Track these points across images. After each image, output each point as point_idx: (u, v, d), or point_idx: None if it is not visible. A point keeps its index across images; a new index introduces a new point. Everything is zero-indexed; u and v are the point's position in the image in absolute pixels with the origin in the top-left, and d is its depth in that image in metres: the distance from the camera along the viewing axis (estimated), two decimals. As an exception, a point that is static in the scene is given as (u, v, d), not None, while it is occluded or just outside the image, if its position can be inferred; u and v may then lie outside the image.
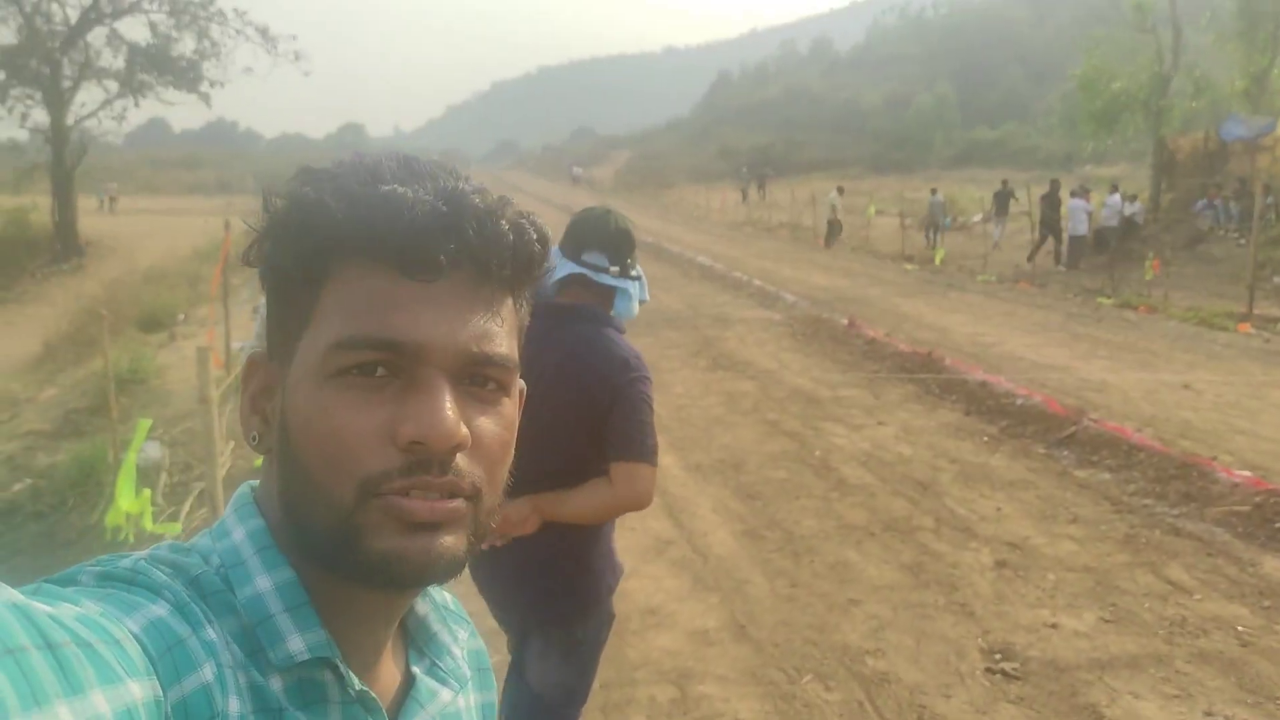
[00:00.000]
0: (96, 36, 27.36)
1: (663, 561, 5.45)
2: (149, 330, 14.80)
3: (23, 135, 27.84)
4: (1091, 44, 24.26)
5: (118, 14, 27.17)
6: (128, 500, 5.44)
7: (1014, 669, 4.28)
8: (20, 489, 7.56)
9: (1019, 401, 8.65)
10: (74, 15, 26.48)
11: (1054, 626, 4.68)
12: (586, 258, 2.62)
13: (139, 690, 0.55)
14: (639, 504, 2.46)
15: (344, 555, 0.70)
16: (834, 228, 26.09)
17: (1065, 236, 20.85)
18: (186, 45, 28.20)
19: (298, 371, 0.72)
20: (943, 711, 3.96)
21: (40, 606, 0.53)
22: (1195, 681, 4.19)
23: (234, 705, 0.65)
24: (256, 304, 11.38)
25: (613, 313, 2.68)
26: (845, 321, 13.05)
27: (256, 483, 0.80)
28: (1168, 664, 4.34)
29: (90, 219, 28.02)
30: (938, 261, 21.15)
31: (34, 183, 27.79)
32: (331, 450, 0.69)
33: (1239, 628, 4.66)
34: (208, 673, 0.63)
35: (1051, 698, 4.07)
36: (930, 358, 10.52)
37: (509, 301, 0.76)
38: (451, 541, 0.71)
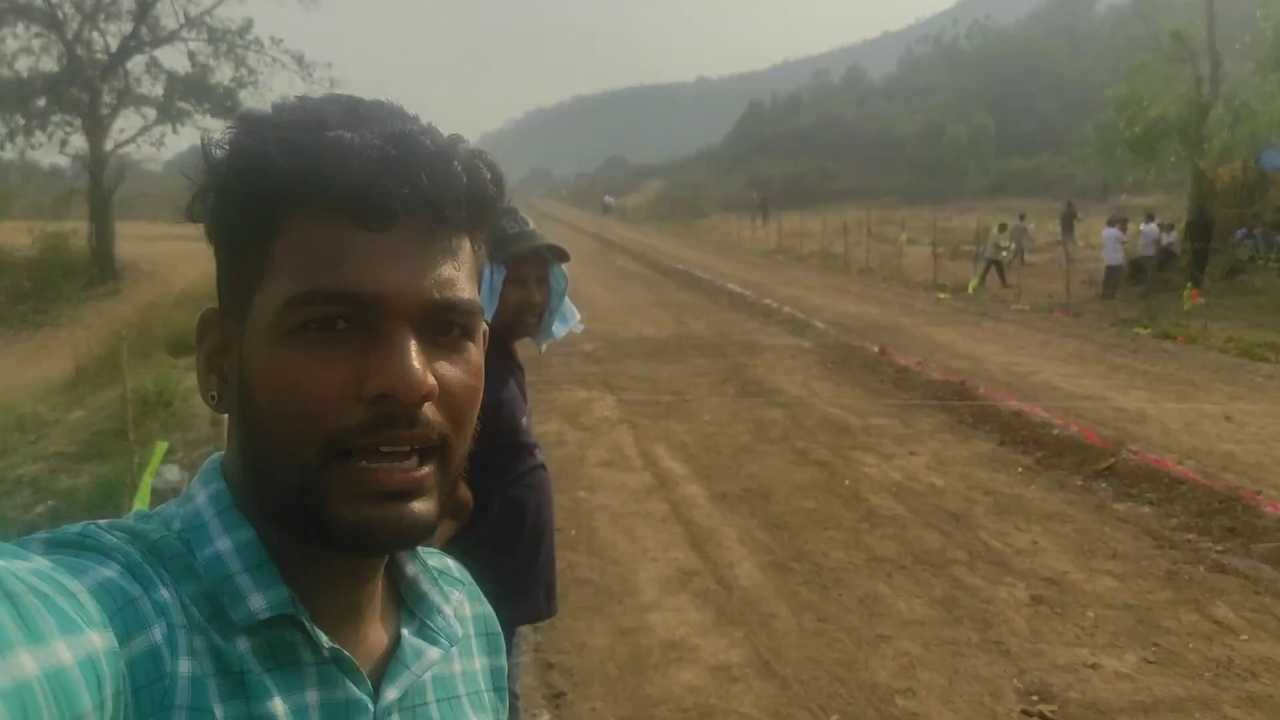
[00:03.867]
0: (136, 65, 27.73)
1: (686, 593, 5.30)
2: (178, 353, 14.83)
3: (63, 161, 28.25)
4: (1131, 70, 23.99)
5: (157, 43, 27.52)
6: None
7: (1052, 712, 4.09)
8: (41, 511, 7.52)
9: (1055, 432, 8.43)
10: (114, 44, 26.84)
11: (1094, 667, 4.48)
12: None
13: (99, 640, 0.55)
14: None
15: (309, 519, 0.68)
16: (998, 266, 22.64)
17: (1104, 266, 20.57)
18: (224, 73, 28.53)
19: (254, 328, 0.69)
20: (977, 756, 3.77)
21: None
22: (1245, 728, 3.98)
23: (184, 666, 0.63)
24: None
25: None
26: (876, 349, 12.86)
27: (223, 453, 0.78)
28: (1215, 708, 4.13)
29: (127, 244, 28.30)
30: (970, 290, 20.89)
31: (72, 208, 28.13)
32: (294, 408, 0.67)
33: (1290, 671, 4.44)
34: (157, 633, 0.61)
35: (1092, 743, 3.87)
36: (963, 386, 10.31)
37: (467, 244, 0.73)
38: (422, 507, 0.69)
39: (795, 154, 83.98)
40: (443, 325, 0.70)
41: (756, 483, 7.25)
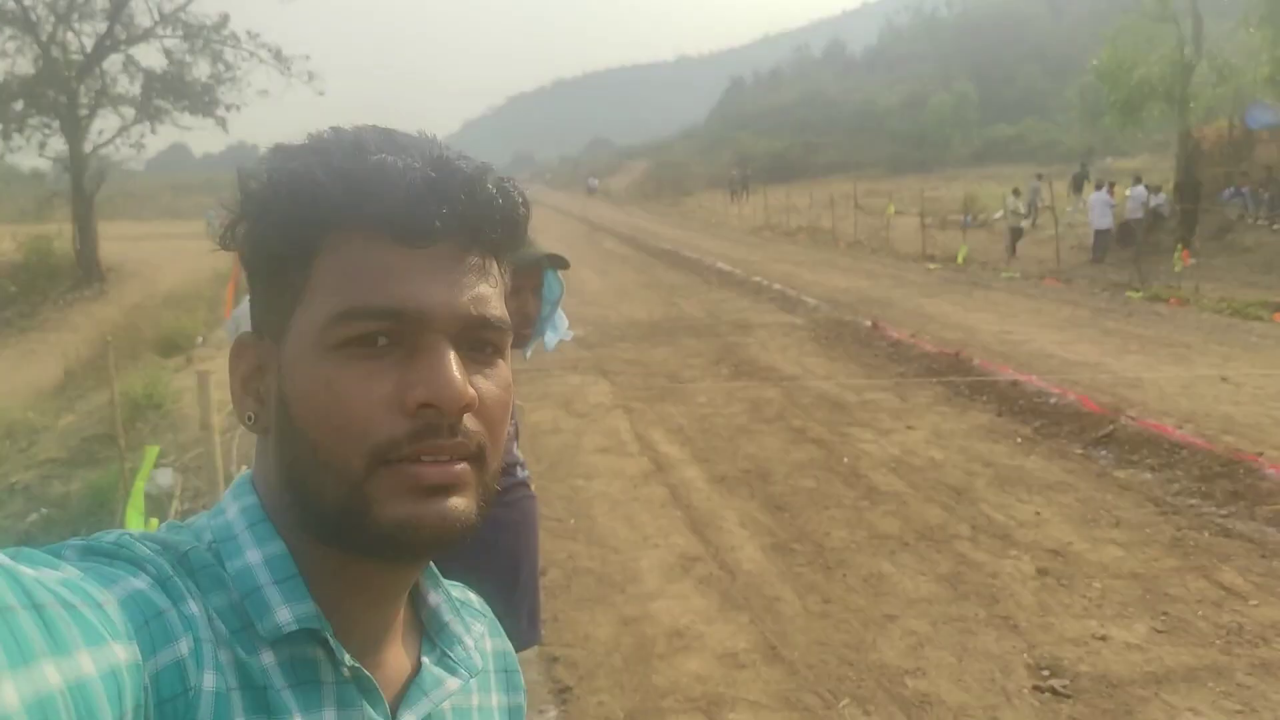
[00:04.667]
0: (112, 64, 27.45)
1: (689, 579, 5.24)
2: (167, 354, 14.71)
3: (44, 164, 28.00)
4: (1111, 34, 23.88)
5: (132, 41, 27.24)
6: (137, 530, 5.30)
7: (1064, 686, 4.05)
8: (34, 520, 7.43)
9: (1052, 400, 8.39)
10: (89, 43, 26.59)
11: (1103, 639, 4.44)
12: None
13: (123, 652, 0.55)
14: None
15: (356, 526, 0.69)
16: (1017, 234, 22.34)
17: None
18: (201, 70, 28.27)
19: (295, 347, 0.71)
20: (990, 734, 3.73)
21: (23, 569, 0.53)
22: (1259, 695, 3.94)
23: (209, 680, 0.63)
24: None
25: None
26: (869, 323, 12.81)
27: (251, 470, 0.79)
28: (1227, 676, 4.09)
29: (111, 245, 28.07)
30: (960, 260, 20.84)
31: (55, 210, 27.91)
32: (339, 422, 0.68)
33: (1301, 635, 4.40)
34: (183, 647, 0.62)
35: (1106, 716, 3.83)
36: (958, 358, 10.27)
37: (496, 265, 0.75)
38: (463, 503, 0.70)
39: (779, 129, 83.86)
40: (477, 342, 0.73)
41: (755, 463, 7.19)
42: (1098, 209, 20.37)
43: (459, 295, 0.71)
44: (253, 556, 0.71)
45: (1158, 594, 4.87)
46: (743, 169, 56.87)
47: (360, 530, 0.69)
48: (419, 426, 0.68)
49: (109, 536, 0.67)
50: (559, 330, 2.56)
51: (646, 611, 4.87)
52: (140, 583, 0.63)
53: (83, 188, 26.43)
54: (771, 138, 79.58)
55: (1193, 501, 6.13)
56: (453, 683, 0.81)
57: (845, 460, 7.19)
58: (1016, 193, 23.50)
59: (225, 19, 27.69)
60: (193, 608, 0.65)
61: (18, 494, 8.53)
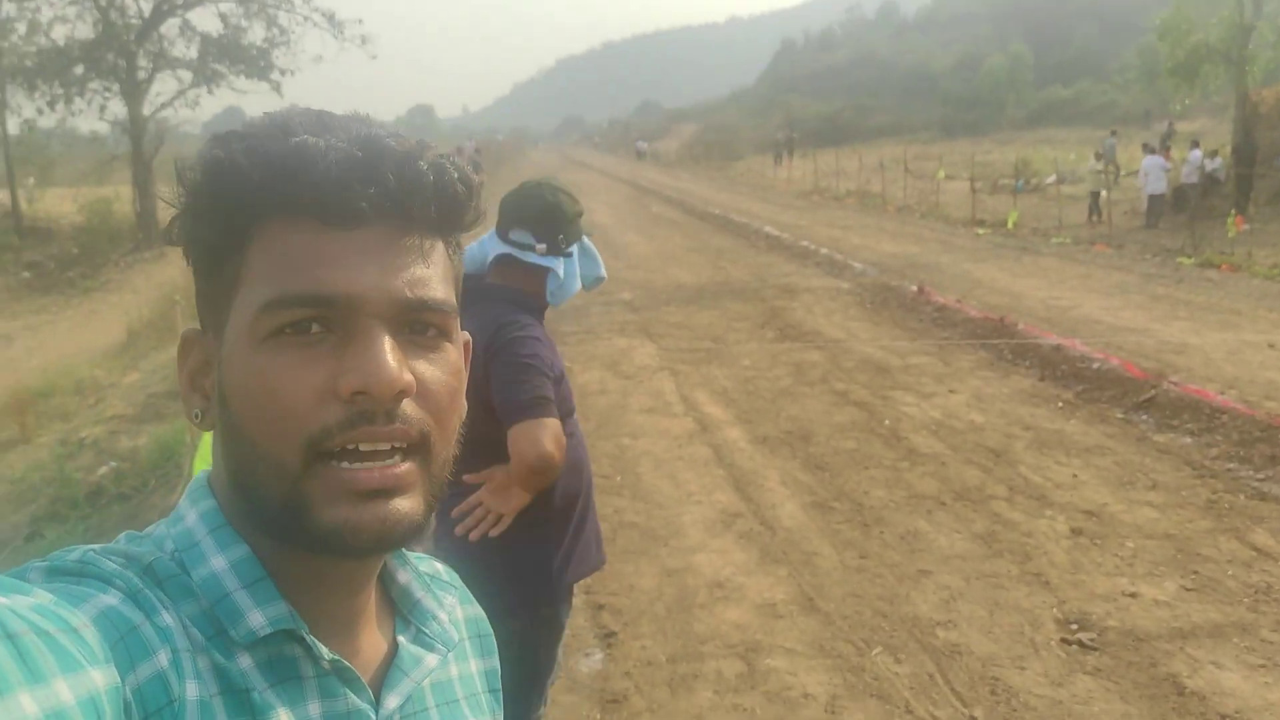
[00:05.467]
0: (169, 28, 27.89)
1: (730, 535, 5.43)
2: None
3: (102, 128, 28.55)
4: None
5: (189, 5, 27.63)
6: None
7: (1091, 639, 4.19)
8: (105, 472, 7.78)
9: (1095, 365, 8.43)
10: (147, 8, 27.01)
11: (1133, 595, 4.57)
12: (513, 235, 2.51)
13: (100, 678, 0.55)
14: (531, 464, 2.28)
15: (295, 526, 0.68)
16: (1098, 201, 21.20)
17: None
18: (256, 34, 28.63)
19: (231, 340, 0.70)
20: (1016, 684, 3.88)
21: None
22: (1282, 651, 4.06)
23: (192, 690, 0.64)
24: None
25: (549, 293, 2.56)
26: (915, 288, 12.84)
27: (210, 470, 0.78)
28: (1253, 633, 4.21)
29: (169, 207, 28.62)
30: (1010, 225, 20.67)
31: (114, 173, 28.49)
32: (272, 413, 0.67)
33: (1329, 595, 4.50)
34: (163, 659, 0.62)
35: (1130, 668, 3.97)
36: (1003, 323, 10.30)
37: (440, 246, 0.74)
38: (406, 505, 0.70)
39: (829, 92, 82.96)
40: (418, 325, 0.71)
41: (797, 425, 7.35)
42: (1153, 174, 20.08)
43: (393, 278, 0.69)
44: (217, 563, 0.71)
45: (1189, 554, 4.98)
46: (788, 132, 56.54)
47: (301, 530, 0.68)
48: (353, 414, 0.67)
49: (72, 555, 0.66)
50: (588, 278, 2.68)
51: (689, 564, 5.07)
52: (111, 599, 0.62)
53: (142, 151, 26.95)
54: (822, 100, 78.83)
55: (1231, 465, 6.20)
56: (431, 659, 0.81)
57: (886, 422, 7.31)
58: (1099, 155, 22.96)
59: (280, -17, 27.96)
60: (166, 619, 0.65)
61: (87, 448, 8.90)
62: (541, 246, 2.49)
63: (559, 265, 2.52)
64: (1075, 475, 6.12)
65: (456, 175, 0.73)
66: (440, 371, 0.72)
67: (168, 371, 10.53)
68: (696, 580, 4.86)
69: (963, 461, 6.43)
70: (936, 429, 7.13)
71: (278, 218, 0.69)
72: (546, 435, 2.29)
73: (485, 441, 2.38)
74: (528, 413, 2.30)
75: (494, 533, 2.39)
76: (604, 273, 2.72)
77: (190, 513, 0.74)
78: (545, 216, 2.50)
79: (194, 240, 0.73)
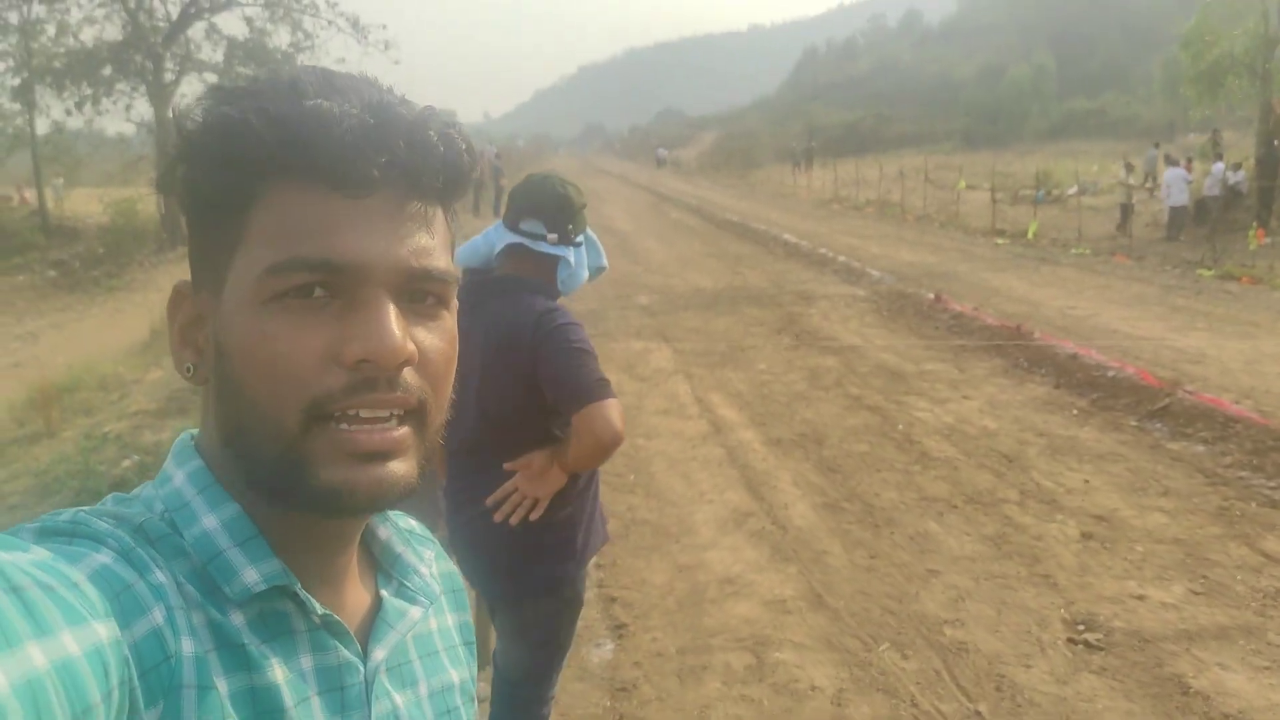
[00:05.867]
0: (196, 31, 28.21)
1: (741, 533, 5.49)
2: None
3: (128, 129, 28.86)
4: (1204, 4, 23.33)
5: (216, 9, 27.92)
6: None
7: (1097, 640, 4.23)
8: (128, 465, 7.90)
9: (1110, 374, 8.45)
10: (175, 11, 27.33)
11: (1140, 598, 4.60)
12: (524, 226, 2.57)
13: (104, 630, 0.56)
14: (606, 444, 2.37)
15: (292, 486, 0.69)
16: (1127, 212, 21.03)
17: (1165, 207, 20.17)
18: (281, 38, 28.91)
19: (232, 298, 0.70)
20: (1022, 681, 3.93)
21: None
22: (1287, 654, 4.08)
23: (188, 646, 0.65)
24: None
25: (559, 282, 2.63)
26: (932, 296, 12.86)
27: (195, 431, 0.79)
28: (1259, 636, 4.24)
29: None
30: (1030, 235, 20.64)
31: (139, 174, 28.79)
32: (275, 375, 0.68)
33: (1336, 600, 4.52)
34: (158, 616, 0.63)
35: (1135, 668, 4.01)
36: (1019, 331, 10.32)
37: (440, 214, 0.75)
38: (401, 468, 0.71)
39: (851, 101, 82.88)
40: (419, 294, 0.72)
41: (810, 428, 7.40)
42: (1175, 186, 20.01)
43: (399, 247, 0.70)
44: (209, 522, 0.71)
45: (1199, 559, 5.01)
46: (805, 141, 56.61)
47: (296, 490, 0.69)
48: (355, 381, 0.68)
49: (62, 516, 0.66)
50: (592, 267, 2.75)
51: (700, 560, 5.13)
52: (104, 557, 0.63)
53: (167, 152, 27.18)
54: (844, 109, 78.79)
55: (1243, 474, 6.21)
56: (415, 612, 0.83)
57: (900, 427, 7.35)
58: (1129, 167, 22.81)
59: (305, -12, 28.23)
60: (160, 577, 0.65)
61: (111, 442, 9.03)
62: (553, 236, 2.56)
63: (569, 254, 2.59)
64: (1087, 481, 6.15)
65: (463, 145, 0.74)
66: (439, 340, 0.74)
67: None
68: (707, 576, 4.92)
69: (975, 466, 6.47)
70: (949, 434, 7.16)
71: (286, 180, 0.68)
72: (616, 414, 2.38)
73: (524, 425, 2.49)
74: (595, 394, 2.38)
75: (533, 516, 2.49)
76: (605, 262, 2.80)
77: (178, 474, 0.74)
78: (556, 207, 2.57)
79: (193, 194, 0.72)
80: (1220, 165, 20.62)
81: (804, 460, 6.69)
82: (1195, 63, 22.71)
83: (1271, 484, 5.98)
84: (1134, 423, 7.36)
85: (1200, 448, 6.74)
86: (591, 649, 4.25)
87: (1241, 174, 21.06)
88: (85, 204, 28.71)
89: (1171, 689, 3.86)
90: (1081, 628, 4.34)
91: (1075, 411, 7.71)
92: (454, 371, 0.77)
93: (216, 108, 0.69)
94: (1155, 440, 6.96)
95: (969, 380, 8.76)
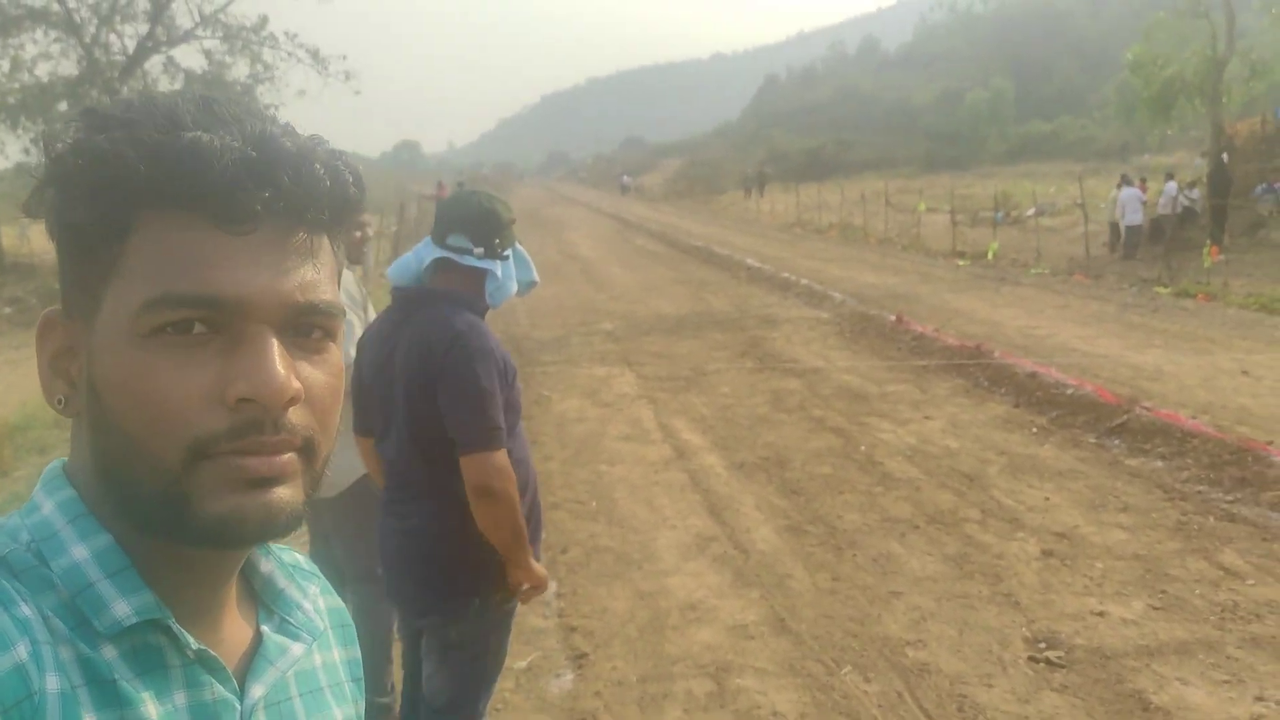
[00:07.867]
0: (153, 65, 28.03)
1: (704, 558, 5.45)
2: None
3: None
4: (1147, 29, 23.82)
5: (173, 42, 27.77)
6: None
7: (1058, 657, 4.22)
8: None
9: (1069, 391, 8.51)
10: (131, 45, 27.15)
11: (1101, 615, 4.60)
12: (451, 240, 2.58)
13: None
14: (487, 493, 2.39)
15: (175, 521, 0.67)
16: (1117, 231, 21.18)
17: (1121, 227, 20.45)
18: (240, 70, 28.79)
19: (105, 331, 0.67)
20: (984, 701, 3.91)
21: None
22: (1246, 667, 4.09)
23: (53, 683, 0.62)
24: None
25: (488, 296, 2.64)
26: (893, 318, 12.93)
27: (65, 459, 0.76)
28: (1218, 650, 4.25)
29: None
30: (990, 256, 20.86)
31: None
32: (154, 413, 0.65)
33: (1293, 612, 4.54)
34: (21, 652, 0.61)
35: (1096, 685, 4.00)
36: (979, 350, 10.39)
37: (326, 244, 0.73)
38: (288, 494, 0.69)
39: (812, 126, 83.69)
40: (304, 327, 0.70)
41: (773, 451, 7.38)
42: (1130, 205, 20.32)
43: (284, 282, 0.68)
44: (79, 553, 0.68)
45: (1158, 574, 5.03)
46: (759, 167, 57.13)
47: (180, 524, 0.67)
48: (239, 422, 0.66)
49: None
50: (522, 281, 2.74)
51: (662, 586, 5.08)
52: None
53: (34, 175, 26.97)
54: (805, 135, 79.45)
55: (1201, 488, 6.26)
56: (297, 648, 0.80)
57: (862, 448, 7.36)
58: (1120, 185, 22.83)
59: (264, 21, 28.14)
60: (25, 610, 0.63)
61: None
62: (479, 250, 2.57)
63: (496, 267, 2.60)
64: (1047, 499, 6.17)
65: (350, 177, 0.72)
66: (324, 374, 0.71)
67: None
68: (669, 603, 4.88)
69: (936, 486, 6.48)
70: (911, 454, 7.17)
71: (165, 212, 0.66)
72: (496, 467, 2.40)
73: (447, 441, 2.46)
74: (480, 442, 2.40)
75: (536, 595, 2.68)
76: (536, 277, 2.80)
77: (47, 502, 0.71)
78: (481, 221, 2.58)
79: (64, 220, 0.69)
80: (1173, 184, 20.97)
81: (767, 484, 6.67)
82: (1148, 86, 23.14)
83: (1229, 498, 6.03)
84: (1093, 439, 7.41)
85: (1158, 463, 6.79)
86: (551, 679, 4.18)
87: (1196, 192, 21.41)
88: (42, 241, 28.37)
89: (1133, 705, 3.85)
90: (1043, 646, 4.34)
91: (1035, 429, 7.76)
92: (340, 404, 0.74)
93: (88, 137, 0.66)
94: (1114, 456, 7.00)
95: (931, 400, 8.79)
